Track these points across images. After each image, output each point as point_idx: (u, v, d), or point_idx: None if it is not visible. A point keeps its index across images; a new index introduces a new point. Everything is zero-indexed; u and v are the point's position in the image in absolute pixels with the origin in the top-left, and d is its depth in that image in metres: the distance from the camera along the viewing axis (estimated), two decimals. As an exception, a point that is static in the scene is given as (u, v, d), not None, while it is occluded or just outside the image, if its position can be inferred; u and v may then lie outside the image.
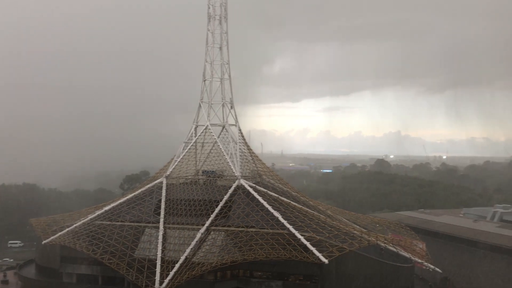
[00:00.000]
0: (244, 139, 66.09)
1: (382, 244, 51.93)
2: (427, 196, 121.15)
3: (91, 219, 55.90)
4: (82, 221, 55.88)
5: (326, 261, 43.96)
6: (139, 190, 60.41)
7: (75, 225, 55.28)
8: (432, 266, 53.87)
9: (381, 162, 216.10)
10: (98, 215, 56.51)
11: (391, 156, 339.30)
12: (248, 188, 56.12)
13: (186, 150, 63.58)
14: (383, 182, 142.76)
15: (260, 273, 49.65)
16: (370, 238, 49.61)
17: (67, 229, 54.61)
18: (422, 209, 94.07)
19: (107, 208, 57.47)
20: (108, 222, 54.44)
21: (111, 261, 48.45)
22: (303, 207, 55.84)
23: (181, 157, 62.97)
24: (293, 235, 47.40)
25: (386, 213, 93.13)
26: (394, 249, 52.54)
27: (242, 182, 57.11)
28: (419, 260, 54.47)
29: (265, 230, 49.10)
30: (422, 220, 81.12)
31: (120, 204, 58.00)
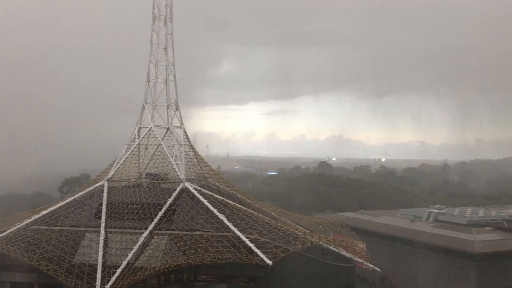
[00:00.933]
0: (189, 141, 65.46)
1: (325, 245, 53.06)
2: (367, 198, 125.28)
3: (27, 224, 53.24)
4: (17, 226, 53.10)
5: (270, 262, 44.36)
6: (79, 194, 58.29)
7: (9, 230, 52.44)
8: (371, 266, 55.66)
9: (324, 165, 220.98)
10: (35, 219, 53.92)
11: (334, 159, 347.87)
12: (193, 191, 55.63)
13: (129, 152, 62.08)
14: (326, 184, 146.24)
15: (204, 277, 49.30)
16: (313, 239, 50.58)
17: (0, 235, 51.73)
18: (363, 210, 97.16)
19: (44, 212, 54.96)
20: (46, 227, 52.06)
21: (48, 267, 46.38)
22: (248, 209, 56.05)
23: (123, 159, 61.40)
24: (238, 237, 47.48)
25: (328, 214, 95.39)
26: (336, 249, 53.83)
27: (187, 185, 56.54)
28: (360, 260, 56.13)
29: (210, 233, 48.86)
30: (363, 221, 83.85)
31: (59, 208, 55.70)
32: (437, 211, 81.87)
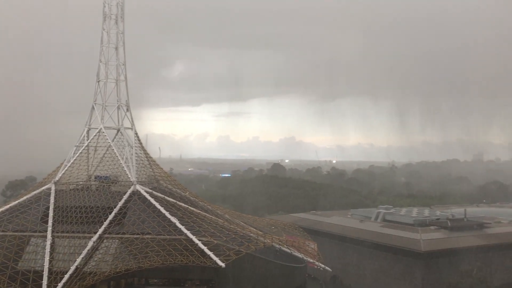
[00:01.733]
0: (140, 143, 64.29)
1: (277, 246, 53.57)
2: (318, 198, 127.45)
3: (-34, 230, 50.53)
4: (-44, 232, 50.32)
5: (223, 264, 44.29)
6: (24, 197, 55.89)
7: None
8: (322, 266, 56.67)
9: (277, 166, 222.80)
10: (-26, 225, 51.26)
11: (286, 161, 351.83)
12: (144, 193, 54.68)
13: (77, 154, 60.23)
14: (279, 185, 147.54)
15: (156, 280, 48.61)
16: (265, 240, 50.94)
17: None
18: (314, 211, 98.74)
19: (-14, 217, 52.37)
20: (-13, 233, 49.62)
21: (-11, 275, 44.22)
22: (201, 212, 55.73)
23: (71, 161, 59.47)
24: (191, 240, 47.12)
25: (281, 215, 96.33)
26: (288, 250, 54.45)
27: (138, 187, 55.52)
28: (311, 260, 57.03)
29: (162, 236, 48.18)
30: (314, 221, 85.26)
31: (2, 212, 53.19)
32: (385, 211, 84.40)
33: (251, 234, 52.17)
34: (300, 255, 55.94)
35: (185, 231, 48.27)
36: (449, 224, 74.17)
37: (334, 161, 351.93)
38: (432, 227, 74.09)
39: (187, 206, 55.44)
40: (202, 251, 45.86)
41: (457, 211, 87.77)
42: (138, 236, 48.45)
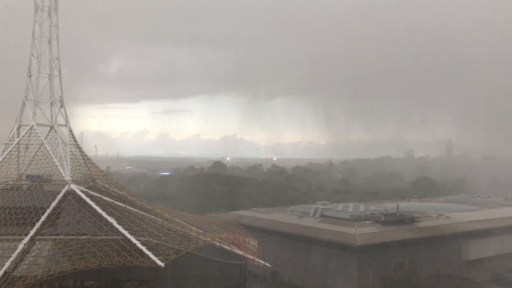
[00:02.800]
0: (75, 141, 61.93)
1: (218, 244, 53.59)
2: (259, 196, 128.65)
3: None
4: None
5: (162, 264, 43.70)
6: None
7: None
8: (262, 262, 57.34)
9: (218, 164, 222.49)
10: None
11: (228, 158, 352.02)
12: (80, 193, 52.79)
13: (6, 153, 57.08)
14: (220, 183, 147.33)
15: (92, 282, 47.18)
16: (206, 239, 50.81)
17: None
18: (255, 208, 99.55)
19: None
20: None
21: None
22: (139, 211, 54.62)
23: (0, 160, 56.33)
24: (129, 240, 46.08)
25: (222, 213, 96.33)
26: (229, 248, 54.62)
27: (73, 187, 53.51)
28: (252, 257, 57.53)
29: (98, 237, 46.74)
30: (255, 218, 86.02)
31: None
32: (322, 207, 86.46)
33: (191, 233, 51.84)
34: (240, 252, 56.28)
35: (123, 231, 47.15)
36: (383, 219, 77.18)
37: (274, 159, 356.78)
38: (367, 222, 76.77)
39: (125, 205, 54.16)
40: (141, 251, 44.99)
41: (390, 206, 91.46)
42: (73, 237, 46.71)
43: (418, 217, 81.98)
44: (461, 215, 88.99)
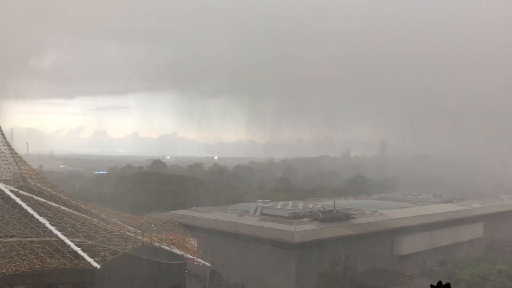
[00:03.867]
0: (4, 138, 58.66)
1: (156, 244, 52.74)
2: (200, 195, 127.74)
3: None
4: None
5: (98, 266, 42.45)
6: None
7: None
8: (202, 261, 57.13)
9: (157, 163, 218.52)
10: None
11: (168, 157, 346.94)
12: (9, 193, 50.12)
13: None
14: (159, 182, 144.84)
15: (22, 286, 44.90)
16: (144, 239, 49.88)
17: None
18: (195, 207, 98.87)
19: None
20: None
21: None
22: (74, 212, 52.70)
23: None
24: (62, 241, 44.37)
25: (161, 213, 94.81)
26: (168, 248, 53.91)
27: (1, 186, 50.70)
28: (191, 256, 57.15)
29: (30, 239, 44.61)
30: (195, 218, 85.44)
31: None
32: (263, 205, 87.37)
33: (129, 233, 50.72)
34: (180, 252, 55.74)
35: (56, 232, 45.36)
36: (321, 216, 79.15)
37: (215, 158, 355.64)
38: (305, 219, 78.36)
39: (58, 205, 52.10)
40: (75, 252, 43.47)
41: (327, 203, 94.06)
42: (1, 239, 44.27)
43: (354, 214, 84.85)
44: (393, 212, 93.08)
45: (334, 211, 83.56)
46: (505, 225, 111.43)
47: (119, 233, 49.01)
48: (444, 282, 6.89)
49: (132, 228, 56.32)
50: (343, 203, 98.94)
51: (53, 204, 51.75)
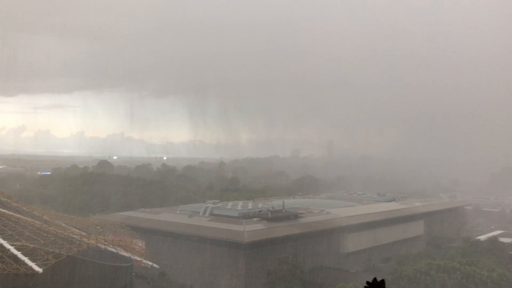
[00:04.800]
0: None
1: (102, 246, 51.52)
2: (148, 196, 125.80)
3: None
4: None
5: (40, 270, 40.91)
6: None
7: None
8: (150, 263, 56.35)
9: (103, 164, 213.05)
10: None
11: (115, 157, 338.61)
12: None
13: None
14: (106, 183, 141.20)
15: (-44, 294, 42.60)
16: (89, 241, 48.59)
17: None
18: (143, 208, 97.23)
19: None
20: None
21: None
22: (14, 214, 50.51)
23: None
24: (1, 245, 42.45)
25: (108, 215, 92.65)
26: (115, 250, 52.79)
27: None
28: (138, 258, 56.27)
29: (-35, 243, 42.41)
30: (143, 219, 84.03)
31: None
32: (212, 205, 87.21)
33: (74, 236, 49.28)
34: (127, 254, 54.73)
35: (-5, 236, 43.32)
36: (270, 216, 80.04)
37: (164, 158, 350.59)
38: (255, 219, 78.99)
39: (-2, 208, 49.74)
40: (15, 257, 41.69)
41: (276, 203, 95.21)
42: None
43: (302, 213, 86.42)
44: (340, 211, 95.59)
45: (283, 211, 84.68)
46: (443, 223, 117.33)
47: (63, 236, 47.48)
48: (381, 278, 7.28)
49: (77, 230, 54.75)
50: (291, 203, 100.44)
51: (-8, 206, 49.44)
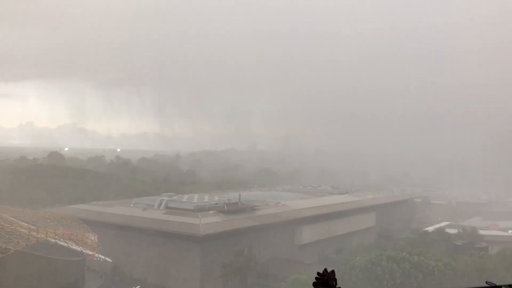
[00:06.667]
0: None
1: (53, 240, 50.06)
2: (101, 189, 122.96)
3: None
4: None
5: (-15, 265, 39.37)
6: None
7: None
8: (103, 257, 55.31)
9: (54, 155, 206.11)
10: None
11: (66, 149, 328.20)
12: None
13: None
14: (57, 176, 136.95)
15: None
16: (39, 235, 47.14)
17: None
18: (96, 201, 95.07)
19: None
20: None
21: None
22: (-43, 208, 48.25)
23: None
24: None
25: (59, 208, 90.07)
26: (66, 244, 51.43)
27: None
28: (91, 252, 55.10)
29: None
30: (95, 212, 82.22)
31: None
32: (167, 198, 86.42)
33: (22, 230, 47.66)
34: (78, 248, 53.50)
35: None
36: (226, 208, 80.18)
37: (118, 150, 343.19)
38: (211, 212, 78.94)
39: None
40: (-42, 252, 39.90)
41: (233, 195, 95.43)
42: None
43: (258, 206, 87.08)
44: (295, 203, 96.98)
45: (239, 203, 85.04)
46: (394, 215, 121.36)
47: (10, 230, 45.79)
48: (332, 269, 7.46)
49: (26, 224, 52.96)
50: (248, 195, 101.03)
51: None
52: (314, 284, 7.22)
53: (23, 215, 58.98)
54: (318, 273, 7.29)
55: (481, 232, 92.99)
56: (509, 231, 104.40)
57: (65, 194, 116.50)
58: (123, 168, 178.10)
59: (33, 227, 51.59)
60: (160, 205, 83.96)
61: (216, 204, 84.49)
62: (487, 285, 9.44)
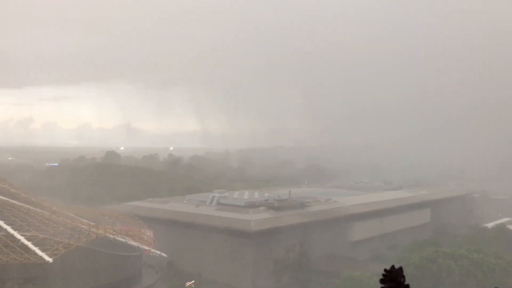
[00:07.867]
0: None
1: (111, 236, 52.11)
2: (155, 186, 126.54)
3: None
4: None
5: (50, 260, 41.56)
6: None
7: None
8: (158, 252, 56.91)
9: (111, 154, 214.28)
10: None
11: (122, 148, 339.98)
12: (-47, 187, 48.05)
13: None
14: (113, 174, 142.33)
15: (-31, 284, 43.43)
16: (98, 231, 49.20)
17: None
18: (151, 198, 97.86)
19: None
20: None
21: None
22: (24, 205, 51.19)
23: None
24: (12, 236, 43.08)
25: (116, 205, 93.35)
26: (123, 240, 53.37)
27: None
28: (147, 248, 56.84)
29: (-24, 234, 43.08)
30: (151, 209, 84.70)
31: None
32: (219, 195, 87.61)
33: (82, 226, 49.91)
34: (135, 244, 55.33)
35: (5, 226, 44.02)
36: (276, 205, 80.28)
37: (171, 148, 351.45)
38: (261, 208, 79.28)
39: (7, 199, 50.45)
40: (26, 247, 42.36)
41: (283, 192, 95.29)
42: None
43: (308, 202, 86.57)
44: (346, 199, 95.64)
45: (289, 200, 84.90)
46: (450, 210, 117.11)
47: (71, 226, 48.11)
48: (396, 266, 7.24)
49: (86, 221, 55.37)
50: (298, 192, 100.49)
51: (2, 197, 50.11)
52: (381, 280, 7.00)
53: (83, 212, 61.68)
54: (385, 270, 7.05)
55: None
56: None
57: (121, 192, 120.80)
58: (176, 166, 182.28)
59: (93, 223, 53.86)
60: (212, 201, 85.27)
61: (266, 200, 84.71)
62: None
